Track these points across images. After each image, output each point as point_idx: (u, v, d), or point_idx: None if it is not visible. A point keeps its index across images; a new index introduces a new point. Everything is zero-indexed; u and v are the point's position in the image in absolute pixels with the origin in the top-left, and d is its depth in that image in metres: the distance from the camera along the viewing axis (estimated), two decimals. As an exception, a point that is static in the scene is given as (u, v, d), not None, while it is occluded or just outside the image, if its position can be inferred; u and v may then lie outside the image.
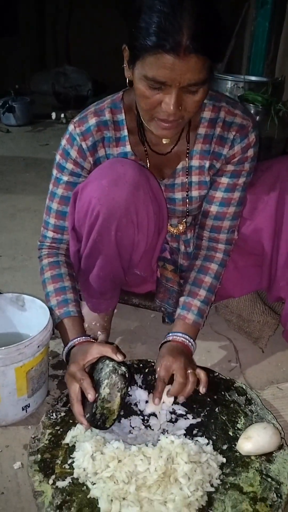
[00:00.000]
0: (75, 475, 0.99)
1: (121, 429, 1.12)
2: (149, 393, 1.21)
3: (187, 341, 1.23)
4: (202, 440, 1.08)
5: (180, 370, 1.14)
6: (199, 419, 1.16)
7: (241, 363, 1.45)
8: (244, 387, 1.26)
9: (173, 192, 1.31)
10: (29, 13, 5.98)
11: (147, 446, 1.01)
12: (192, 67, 0.94)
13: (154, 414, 1.17)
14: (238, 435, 1.10)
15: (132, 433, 1.12)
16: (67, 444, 1.07)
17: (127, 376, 1.07)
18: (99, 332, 1.42)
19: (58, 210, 1.29)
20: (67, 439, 1.08)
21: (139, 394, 1.21)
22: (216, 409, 1.18)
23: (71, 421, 1.13)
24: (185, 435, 1.10)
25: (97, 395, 1.05)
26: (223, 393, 1.24)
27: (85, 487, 0.97)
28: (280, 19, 3.82)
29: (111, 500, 0.92)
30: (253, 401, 1.21)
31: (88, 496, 0.95)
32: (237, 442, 1.08)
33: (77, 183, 1.25)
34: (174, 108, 1.00)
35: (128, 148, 1.24)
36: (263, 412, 1.17)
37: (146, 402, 1.19)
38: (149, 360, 1.34)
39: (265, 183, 1.30)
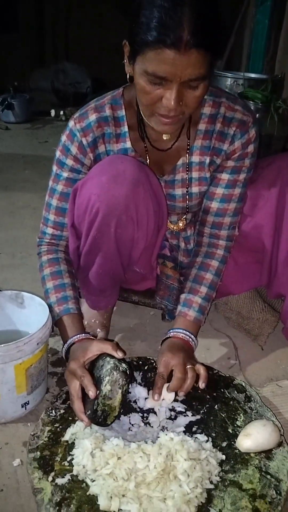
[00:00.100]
0: (74, 472, 0.99)
1: (120, 426, 1.12)
2: (148, 390, 1.21)
3: (188, 337, 1.23)
4: (202, 437, 1.08)
5: (179, 366, 1.14)
6: (198, 416, 1.16)
7: (240, 361, 1.45)
8: (243, 384, 1.26)
9: (173, 188, 1.31)
10: (28, 11, 5.97)
11: (146, 443, 1.01)
12: (192, 62, 0.94)
13: (153, 411, 1.17)
14: (237, 432, 1.10)
15: (131, 430, 1.12)
16: (67, 441, 1.07)
17: (128, 373, 1.07)
18: (98, 330, 1.42)
19: (57, 207, 1.29)
20: (67, 436, 1.08)
21: (138, 391, 1.21)
22: (216, 406, 1.18)
23: (70, 418, 1.13)
24: (184, 432, 1.10)
25: (98, 392, 1.05)
26: (222, 390, 1.24)
27: (84, 484, 0.97)
28: (279, 16, 3.82)
29: (111, 497, 0.92)
30: (252, 398, 1.21)
31: (87, 493, 0.95)
32: (236, 439, 1.08)
33: (77, 179, 1.25)
34: (174, 104, 1.00)
35: (128, 144, 1.24)
36: (262, 409, 1.17)
37: (146, 399, 1.19)
38: (148, 357, 1.34)
39: (265, 180, 1.30)
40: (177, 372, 1.13)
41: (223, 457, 1.04)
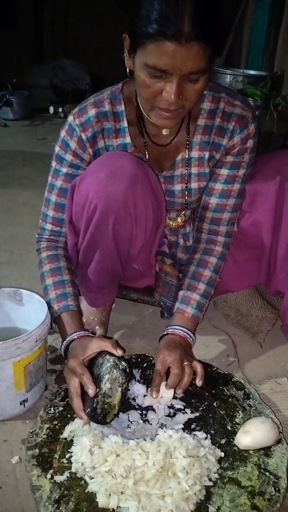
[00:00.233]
0: (73, 470, 0.99)
1: (119, 423, 1.12)
2: (147, 387, 1.21)
3: (186, 334, 1.23)
4: (200, 434, 1.08)
5: (176, 362, 1.14)
6: (197, 414, 1.16)
7: (239, 358, 1.45)
8: (242, 382, 1.26)
9: (172, 184, 1.30)
10: (27, 8, 5.94)
11: (145, 440, 1.01)
12: (193, 54, 0.94)
13: (152, 408, 1.16)
14: (236, 430, 1.10)
15: (130, 427, 1.12)
16: (65, 438, 1.07)
17: (127, 371, 1.07)
18: (97, 327, 1.41)
19: (57, 202, 1.28)
20: (65, 433, 1.08)
21: (137, 389, 1.21)
22: (214, 404, 1.18)
23: (69, 415, 1.13)
24: (183, 429, 1.10)
25: (97, 390, 1.04)
26: (221, 387, 1.24)
27: (83, 481, 0.97)
28: (279, 12, 3.80)
29: (109, 494, 0.92)
30: (251, 396, 1.21)
31: (86, 491, 0.95)
32: (235, 436, 1.08)
33: (76, 175, 1.24)
34: (175, 97, 1.00)
35: (128, 139, 1.24)
36: (261, 407, 1.17)
37: (144, 396, 1.19)
38: (147, 354, 1.34)
39: (265, 176, 1.29)
40: (173, 369, 1.13)
41: (222, 454, 1.04)
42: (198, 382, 1.16)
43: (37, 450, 1.04)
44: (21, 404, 1.16)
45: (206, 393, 1.21)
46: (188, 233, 1.42)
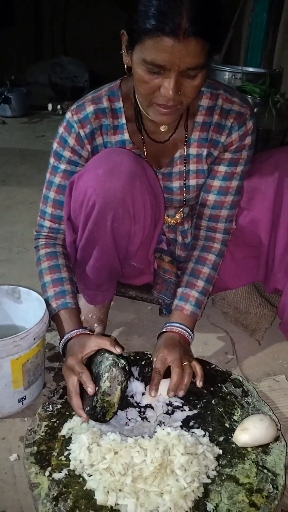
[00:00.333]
0: (71, 467, 0.99)
1: (117, 421, 1.12)
2: (145, 385, 1.21)
3: (185, 331, 1.23)
4: (199, 431, 1.08)
5: (176, 362, 1.14)
6: (195, 411, 1.16)
7: (237, 355, 1.45)
8: (240, 379, 1.26)
9: (170, 181, 1.30)
10: (26, 5, 5.93)
11: (143, 438, 1.01)
12: (191, 50, 0.93)
13: (150, 406, 1.17)
14: (234, 427, 1.10)
15: (128, 425, 1.12)
16: (64, 436, 1.07)
17: (127, 369, 1.07)
18: (95, 325, 1.41)
19: (55, 199, 1.28)
20: (64, 431, 1.08)
21: (135, 386, 1.21)
22: (213, 401, 1.18)
23: (67, 413, 1.13)
24: (181, 427, 1.10)
25: (97, 388, 1.04)
26: (219, 385, 1.24)
27: (81, 479, 0.97)
28: (278, 9, 3.80)
29: (108, 492, 0.92)
30: (249, 393, 1.21)
31: (84, 488, 0.95)
32: (233, 433, 1.08)
33: (75, 171, 1.24)
34: (173, 93, 0.99)
35: (126, 136, 1.23)
36: (259, 404, 1.17)
37: (143, 394, 1.19)
38: (145, 352, 1.34)
39: (264, 174, 1.29)
40: (174, 369, 1.13)
41: (220, 451, 1.04)
42: (199, 384, 1.17)
43: (35, 448, 1.04)
44: (19, 401, 1.16)
45: (205, 391, 1.21)
46: (186, 230, 1.42)
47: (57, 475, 0.97)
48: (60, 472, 0.98)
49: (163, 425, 1.10)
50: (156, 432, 1.04)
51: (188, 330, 1.24)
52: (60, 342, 1.19)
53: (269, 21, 3.88)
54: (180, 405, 1.17)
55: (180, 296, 1.28)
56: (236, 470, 1.00)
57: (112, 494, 0.91)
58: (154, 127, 1.22)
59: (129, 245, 1.23)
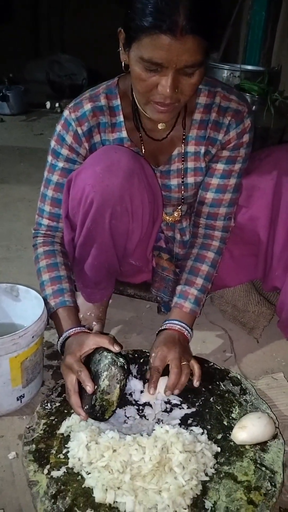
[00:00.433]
0: (70, 465, 0.99)
1: (116, 419, 1.12)
2: (144, 383, 1.21)
3: (184, 329, 1.23)
4: (197, 429, 1.09)
5: (175, 361, 1.14)
6: (194, 409, 1.16)
7: (236, 353, 1.45)
8: (238, 377, 1.26)
9: (168, 178, 1.30)
10: (23, 1, 5.90)
11: (142, 435, 1.01)
12: (188, 48, 0.93)
13: (149, 404, 1.17)
14: (232, 425, 1.10)
15: (127, 423, 1.12)
16: (62, 434, 1.07)
17: (125, 367, 1.07)
18: (94, 323, 1.41)
19: (53, 197, 1.28)
20: (62, 429, 1.08)
21: (134, 384, 1.21)
22: (211, 399, 1.19)
23: (66, 411, 1.13)
24: (180, 424, 1.10)
25: (96, 386, 1.04)
26: (218, 383, 1.24)
27: (80, 476, 0.97)
28: (276, 8, 3.79)
29: (106, 490, 0.92)
30: (247, 391, 1.21)
31: (83, 486, 0.95)
32: (231, 431, 1.08)
33: (73, 169, 1.24)
34: (170, 91, 0.99)
35: (124, 133, 1.23)
36: (257, 402, 1.17)
37: (141, 392, 1.19)
38: (144, 350, 1.34)
39: (262, 171, 1.29)
40: (173, 367, 1.14)
41: (218, 449, 1.04)
42: (195, 383, 1.17)
43: (34, 446, 1.04)
44: (18, 399, 1.16)
45: (203, 389, 1.21)
46: (184, 228, 1.42)
47: (55, 473, 0.97)
48: (59, 470, 0.98)
49: (161, 423, 1.10)
50: (154, 430, 1.04)
51: (188, 328, 1.24)
52: (58, 340, 1.19)
53: (267, 19, 3.87)
54: (179, 403, 1.17)
55: (179, 294, 1.29)
56: (234, 468, 1.00)
57: (110, 492, 0.92)
58: (152, 125, 1.22)
59: (128, 243, 1.23)
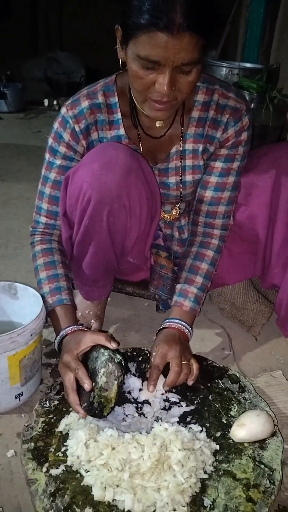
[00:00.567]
0: (68, 463, 0.99)
1: (114, 416, 1.12)
2: (143, 381, 1.21)
3: (184, 328, 1.23)
4: (196, 427, 1.09)
5: (176, 359, 1.14)
6: (192, 407, 1.16)
7: (234, 351, 1.45)
8: (237, 375, 1.26)
9: (166, 176, 1.30)
10: (21, -1, 5.89)
11: (140, 433, 1.01)
12: (185, 45, 0.93)
13: (147, 401, 1.17)
14: (231, 423, 1.10)
15: (125, 420, 1.12)
16: (61, 432, 1.07)
17: (123, 364, 1.07)
18: (92, 321, 1.41)
19: (51, 195, 1.27)
20: (61, 427, 1.07)
21: (132, 382, 1.21)
22: (210, 397, 1.19)
23: (64, 409, 1.12)
24: (178, 422, 1.10)
25: (93, 384, 1.04)
26: (216, 380, 1.24)
27: (78, 474, 0.97)
28: (275, 5, 3.78)
29: (105, 488, 0.92)
30: (246, 389, 1.21)
31: (81, 484, 0.95)
32: (230, 429, 1.08)
33: (70, 167, 1.23)
34: (167, 88, 0.99)
35: (122, 131, 1.23)
36: (256, 400, 1.17)
37: (140, 390, 1.19)
38: (142, 348, 1.34)
39: (261, 169, 1.29)
40: (174, 365, 1.14)
41: (217, 447, 1.04)
42: (189, 382, 1.17)
43: (32, 444, 1.04)
44: (16, 398, 1.16)
45: (202, 386, 1.21)
46: (183, 226, 1.42)
47: (54, 471, 0.97)
48: (58, 468, 0.98)
49: (160, 420, 1.10)
50: (153, 427, 1.04)
51: (188, 327, 1.24)
52: (55, 339, 1.19)
53: (266, 17, 3.86)
54: (177, 401, 1.17)
55: (179, 292, 1.28)
56: (233, 466, 1.00)
57: (109, 490, 0.92)
58: (149, 123, 1.22)
59: (126, 240, 1.22)
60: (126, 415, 1.13)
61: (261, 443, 1.05)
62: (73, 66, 5.16)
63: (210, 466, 0.99)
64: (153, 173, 1.24)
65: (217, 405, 1.16)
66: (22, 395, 1.17)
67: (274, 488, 0.96)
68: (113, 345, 1.08)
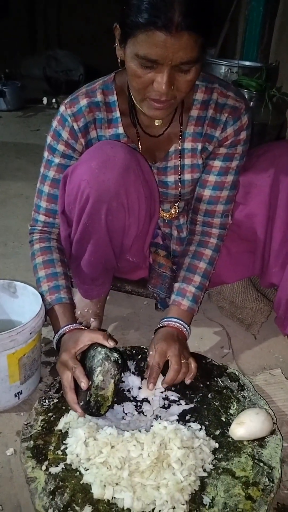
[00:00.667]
0: (68, 461, 0.99)
1: (114, 415, 1.12)
2: (142, 379, 1.21)
3: (182, 327, 1.23)
4: (195, 425, 1.09)
5: (175, 357, 1.14)
6: (192, 405, 1.16)
7: (233, 349, 1.45)
8: (236, 373, 1.26)
9: (165, 175, 1.30)
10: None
11: (140, 432, 1.02)
12: (184, 44, 0.93)
13: (147, 400, 1.17)
14: (230, 421, 1.10)
15: (125, 419, 1.12)
16: (60, 430, 1.07)
17: (119, 362, 1.06)
18: (91, 319, 1.41)
19: (49, 193, 1.27)
20: (60, 425, 1.08)
21: (132, 380, 1.21)
22: (209, 395, 1.19)
23: (64, 407, 1.13)
24: (178, 420, 1.10)
25: (90, 382, 1.04)
26: (215, 379, 1.24)
27: (78, 473, 0.97)
28: (274, 3, 3.77)
29: (104, 486, 0.92)
30: (245, 387, 1.21)
31: (81, 482, 0.95)
32: (229, 427, 1.08)
33: (69, 165, 1.23)
34: (166, 87, 0.99)
35: (120, 129, 1.23)
36: (255, 398, 1.17)
37: (139, 388, 1.19)
38: (142, 346, 1.34)
39: (259, 168, 1.29)
40: (173, 364, 1.14)
41: (216, 445, 1.04)
42: (187, 381, 1.17)
43: (32, 442, 1.04)
44: (15, 396, 1.16)
45: (201, 385, 1.21)
46: (181, 224, 1.42)
47: (53, 469, 0.97)
48: (57, 466, 0.98)
49: (159, 419, 1.11)
50: (152, 426, 1.04)
51: (186, 326, 1.24)
52: (53, 337, 1.19)
53: (265, 15, 3.85)
54: (177, 399, 1.17)
55: (177, 291, 1.28)
56: (232, 464, 1.00)
57: (109, 488, 0.92)
58: (148, 121, 1.22)
59: (124, 239, 1.22)
60: (126, 413, 1.13)
61: (260, 441, 1.06)
62: (72, 64, 5.15)
63: (209, 464, 0.99)
64: (151, 171, 1.24)
65: (216, 403, 1.16)
66: (21, 393, 1.17)
67: (273, 486, 0.96)
68: (110, 343, 1.08)
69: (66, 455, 1.00)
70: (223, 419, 1.12)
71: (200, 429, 1.08)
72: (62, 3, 5.97)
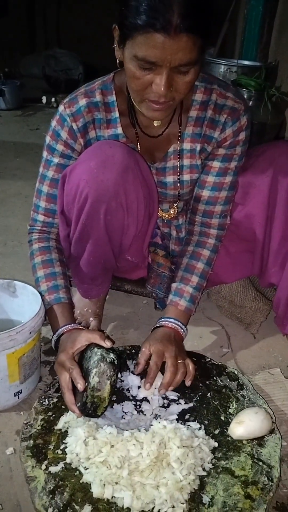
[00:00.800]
0: (67, 460, 0.99)
1: (113, 414, 1.12)
2: (141, 378, 1.21)
3: (179, 327, 1.23)
4: (194, 425, 1.09)
5: (172, 359, 1.14)
6: (191, 404, 1.16)
7: (233, 349, 1.45)
8: (235, 372, 1.26)
9: (164, 175, 1.30)
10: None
11: (139, 431, 1.02)
12: (182, 46, 0.93)
13: (146, 399, 1.17)
14: (230, 420, 1.10)
15: (124, 418, 1.12)
16: (60, 429, 1.07)
17: (116, 363, 1.06)
18: (91, 319, 1.41)
19: (48, 193, 1.27)
20: (60, 424, 1.08)
21: (131, 380, 1.21)
22: (208, 394, 1.19)
23: (63, 407, 1.13)
24: (177, 420, 1.10)
25: (86, 384, 1.04)
26: (215, 378, 1.24)
27: (77, 472, 0.97)
28: (273, 3, 3.77)
29: (104, 485, 0.92)
30: (244, 386, 1.21)
31: (81, 481, 0.95)
32: (229, 426, 1.08)
33: (68, 165, 1.23)
34: (164, 89, 0.99)
35: (119, 130, 1.23)
36: (254, 397, 1.18)
37: (139, 387, 1.20)
38: (141, 346, 1.34)
39: (258, 168, 1.29)
40: (169, 365, 1.14)
41: (216, 444, 1.05)
42: (187, 383, 1.17)
43: (31, 441, 1.04)
44: (15, 395, 1.16)
45: (200, 384, 1.21)
46: (180, 224, 1.42)
47: (53, 469, 0.97)
48: (57, 465, 0.98)
49: (159, 418, 1.11)
50: (152, 425, 1.04)
51: (182, 326, 1.24)
52: (52, 337, 1.19)
53: (264, 14, 3.85)
54: (176, 398, 1.18)
55: (175, 292, 1.28)
56: (231, 463, 1.01)
57: (108, 487, 0.92)
58: (147, 122, 1.22)
59: (123, 238, 1.22)
60: (125, 413, 1.13)
61: (260, 441, 1.06)
62: (71, 64, 5.15)
63: (208, 463, 1.00)
64: (150, 170, 1.24)
65: (216, 403, 1.17)
66: (21, 393, 1.17)
67: (272, 485, 0.96)
68: (107, 344, 1.08)
69: (66, 454, 1.00)
70: (222, 418, 1.12)
71: (200, 428, 1.08)
72: (61, 2, 5.97)
